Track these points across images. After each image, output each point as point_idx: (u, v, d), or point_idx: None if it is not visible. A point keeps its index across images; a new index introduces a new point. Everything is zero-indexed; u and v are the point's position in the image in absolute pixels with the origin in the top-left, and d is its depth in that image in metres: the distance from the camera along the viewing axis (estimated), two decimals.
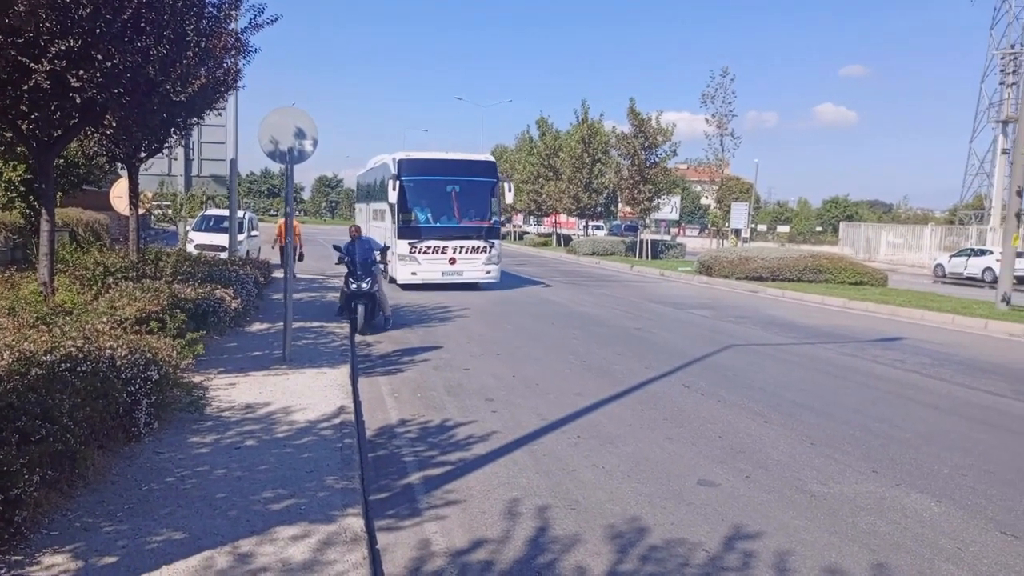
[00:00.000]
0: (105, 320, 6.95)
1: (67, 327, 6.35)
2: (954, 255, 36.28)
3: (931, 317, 16.16)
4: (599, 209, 48.18)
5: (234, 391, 7.31)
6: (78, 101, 7.57)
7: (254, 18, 10.48)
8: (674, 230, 64.78)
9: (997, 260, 32.16)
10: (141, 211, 14.27)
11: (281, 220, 22.93)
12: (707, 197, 56.22)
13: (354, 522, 4.42)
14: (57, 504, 4.28)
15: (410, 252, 18.74)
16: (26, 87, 7.13)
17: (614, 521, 4.89)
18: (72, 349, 5.51)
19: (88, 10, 7.00)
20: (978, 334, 14.57)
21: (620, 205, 51.34)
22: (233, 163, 18.25)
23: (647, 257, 34.73)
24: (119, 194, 17.23)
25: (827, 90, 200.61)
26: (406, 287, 18.99)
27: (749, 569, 4.29)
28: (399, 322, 13.26)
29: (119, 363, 5.60)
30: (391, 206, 19.03)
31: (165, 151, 12.92)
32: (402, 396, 8.11)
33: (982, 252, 34.91)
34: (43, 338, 5.78)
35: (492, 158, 22.22)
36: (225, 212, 21.43)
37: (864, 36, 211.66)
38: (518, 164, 53.19)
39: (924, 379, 9.86)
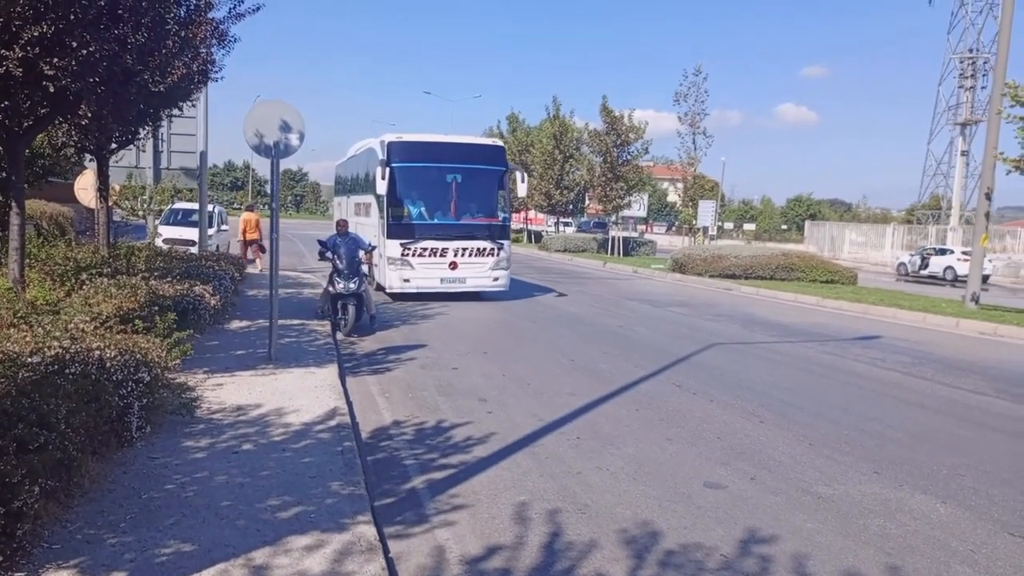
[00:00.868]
0: (89, 319, 6.66)
1: (50, 326, 6.07)
2: (916, 254, 37.18)
3: (903, 315, 16.43)
4: (570, 206, 48.20)
5: (223, 392, 7.09)
6: (51, 90, 7.24)
7: (234, 7, 10.20)
8: (641, 227, 65.18)
9: (958, 259, 33.14)
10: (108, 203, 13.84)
11: (245, 214, 21.80)
12: (675, 194, 56.68)
13: (367, 530, 4.28)
14: (56, 515, 4.07)
15: (402, 255, 15.48)
16: None
17: (626, 525, 4.83)
18: (59, 350, 5.26)
19: None
20: (950, 332, 14.85)
21: (588, 202, 51.45)
22: (203, 155, 17.83)
23: (619, 254, 34.88)
24: (84, 186, 16.70)
25: (789, 90, 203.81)
26: (397, 297, 15.91)
27: (769, 574, 4.25)
28: (379, 318, 13.05)
29: (109, 365, 5.37)
30: (378, 199, 15.96)
31: (136, 143, 12.53)
32: (393, 396, 7.96)
33: (943, 251, 35.82)
34: (26, 338, 5.51)
35: (500, 142, 18.32)
36: (194, 205, 20.95)
37: (825, 37, 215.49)
38: None
39: (906, 378, 9.99)
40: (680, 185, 41.08)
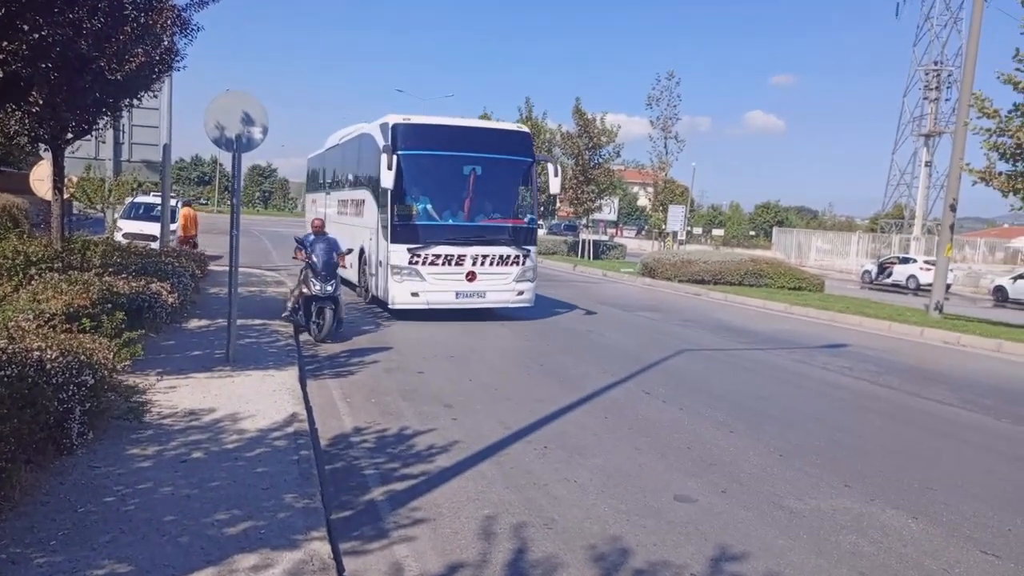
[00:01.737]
0: (32, 317, 6.30)
1: None
2: (876, 262, 37.81)
3: (869, 324, 16.53)
4: (542, 208, 48.07)
5: (175, 395, 6.76)
6: (0, 75, 6.88)
7: None
8: (611, 230, 65.35)
9: (920, 268, 33.69)
10: (65, 196, 13.32)
11: (185, 209, 20.52)
12: (645, 199, 56.92)
13: (320, 547, 4.03)
14: None
15: (410, 262, 12.80)
16: None
17: (594, 541, 4.64)
18: None
19: None
20: (915, 341, 14.96)
21: (559, 204, 51.42)
22: (167, 148, 17.32)
23: (589, 257, 34.83)
24: (40, 177, 16.12)
25: (758, 98, 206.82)
26: (401, 314, 13.19)
27: None
28: (344, 320, 12.72)
29: (49, 366, 5.03)
30: (379, 194, 13.39)
31: (94, 134, 12.06)
32: (355, 401, 7.69)
33: (906, 260, 36.38)
34: None
35: (526, 128, 15.33)
36: (156, 200, 20.35)
37: (793, 46, 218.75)
38: None
39: (874, 387, 9.97)
40: (650, 189, 41.23)
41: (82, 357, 5.41)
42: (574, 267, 30.73)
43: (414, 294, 12.92)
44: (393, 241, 12.92)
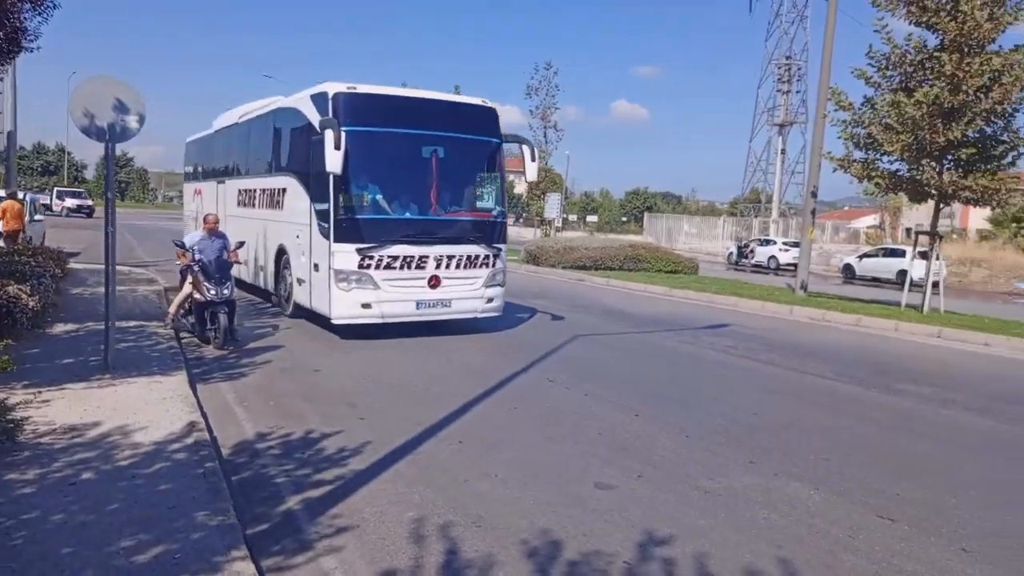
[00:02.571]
0: None
1: None
2: (737, 244, 40.30)
3: (744, 304, 17.47)
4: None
5: (50, 410, 6.15)
6: None
7: None
8: None
9: (780, 249, 36.04)
10: None
11: (7, 202, 17.95)
12: (521, 187, 57.54)
13: (244, 567, 3.77)
14: None
15: (360, 266, 10.48)
16: None
17: (525, 536, 4.60)
18: None
19: None
20: (787, 319, 15.95)
21: None
22: (12, 136, 15.80)
23: None
24: None
25: (622, 88, 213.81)
26: (347, 331, 10.99)
27: None
28: None
29: None
30: (314, 181, 11.06)
31: None
32: (252, 405, 7.28)
33: (767, 242, 38.85)
34: None
35: (492, 104, 12.11)
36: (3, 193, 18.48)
37: (656, 38, 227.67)
38: None
39: (759, 364, 10.53)
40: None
41: None
42: None
43: (365, 305, 10.60)
44: (338, 240, 10.48)
